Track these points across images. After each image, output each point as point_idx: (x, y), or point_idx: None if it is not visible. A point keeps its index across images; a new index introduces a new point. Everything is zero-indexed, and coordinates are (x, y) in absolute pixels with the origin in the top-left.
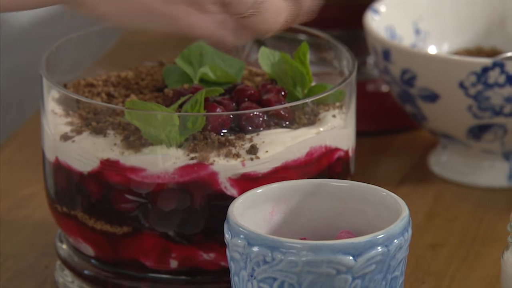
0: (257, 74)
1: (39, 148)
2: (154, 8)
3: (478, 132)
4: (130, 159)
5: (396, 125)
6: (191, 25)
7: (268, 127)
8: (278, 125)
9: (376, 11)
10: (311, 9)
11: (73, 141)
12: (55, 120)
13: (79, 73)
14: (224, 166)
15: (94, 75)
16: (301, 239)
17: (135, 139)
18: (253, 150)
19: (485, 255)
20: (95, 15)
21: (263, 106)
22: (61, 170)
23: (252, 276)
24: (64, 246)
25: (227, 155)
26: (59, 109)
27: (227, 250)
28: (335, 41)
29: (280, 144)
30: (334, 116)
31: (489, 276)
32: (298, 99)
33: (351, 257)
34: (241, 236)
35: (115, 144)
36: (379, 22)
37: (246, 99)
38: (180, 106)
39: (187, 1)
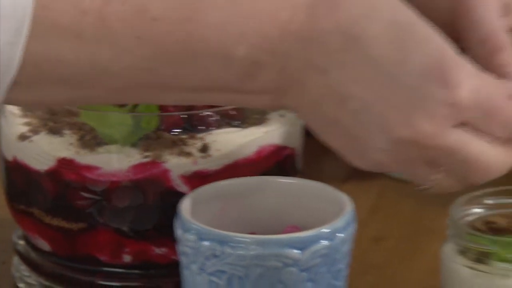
0: None
1: None
2: (342, 152)
3: None
4: (85, 158)
5: None
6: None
7: (219, 126)
8: (229, 125)
9: None
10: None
11: (31, 140)
12: (13, 120)
13: None
14: (176, 164)
15: None
16: (250, 233)
17: (90, 139)
18: (204, 148)
19: (425, 248)
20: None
21: (214, 107)
22: (18, 169)
23: (202, 269)
24: (22, 242)
25: (179, 154)
26: (17, 110)
27: (178, 245)
28: None
29: (230, 143)
30: (282, 115)
31: (429, 268)
32: None
33: (297, 251)
34: (192, 231)
35: (71, 144)
36: None
37: None
38: (135, 106)
39: (361, 162)
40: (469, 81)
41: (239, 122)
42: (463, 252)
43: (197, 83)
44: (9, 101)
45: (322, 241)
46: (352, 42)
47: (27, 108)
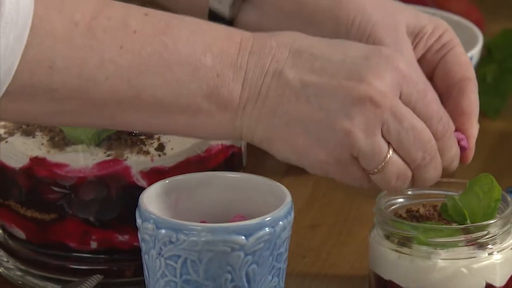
0: None
1: None
2: (301, 151)
3: None
4: (55, 156)
5: None
6: (331, 173)
7: None
8: None
9: None
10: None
11: (6, 141)
12: None
13: None
14: (136, 161)
15: None
16: (201, 222)
17: (59, 140)
18: (160, 147)
19: (355, 233)
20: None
21: None
22: None
23: (160, 254)
24: (0, 231)
25: (138, 152)
26: None
27: (138, 232)
28: None
29: (183, 143)
30: None
31: (359, 251)
32: None
33: (243, 237)
34: (151, 220)
35: (42, 144)
36: None
37: None
38: None
39: (328, 152)
40: (404, 58)
41: None
42: (388, 236)
43: (168, 96)
44: None
45: (265, 228)
46: (297, 50)
47: (9, 120)
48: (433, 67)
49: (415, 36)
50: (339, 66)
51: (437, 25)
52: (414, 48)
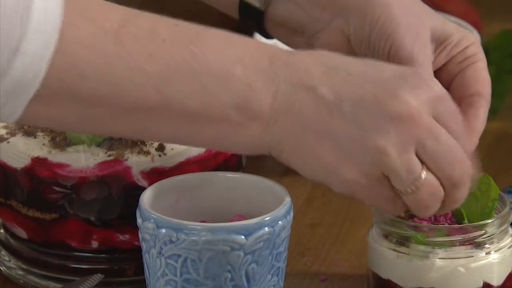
0: None
1: None
2: (330, 167)
3: None
4: (56, 156)
5: None
6: (357, 192)
7: None
8: None
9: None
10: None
11: (8, 142)
12: None
13: None
14: (137, 161)
15: None
16: (201, 222)
17: (60, 140)
18: (161, 148)
19: (354, 233)
20: (283, 162)
21: None
22: None
23: (160, 253)
24: (2, 231)
25: (139, 152)
26: None
27: (139, 232)
28: None
29: None
30: None
31: (358, 250)
32: None
33: (243, 236)
34: (151, 220)
35: (44, 144)
36: (265, 41)
37: None
38: None
39: (358, 169)
40: (436, 80)
41: None
42: (387, 236)
43: (197, 106)
44: (26, 116)
45: (264, 228)
46: (332, 68)
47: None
48: (451, 78)
49: (440, 44)
50: (375, 83)
51: (465, 36)
52: (437, 55)
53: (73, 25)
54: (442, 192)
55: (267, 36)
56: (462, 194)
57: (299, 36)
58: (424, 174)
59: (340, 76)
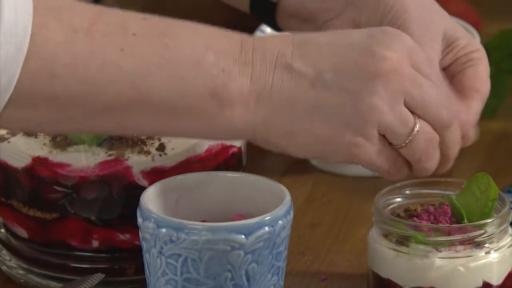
0: None
1: None
2: (325, 139)
3: None
4: (57, 156)
5: None
6: (358, 155)
7: None
8: None
9: (263, 32)
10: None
11: (9, 141)
12: None
13: None
14: (137, 161)
15: None
16: (201, 221)
17: (61, 140)
18: (161, 147)
19: (354, 232)
20: (269, 147)
21: None
22: None
23: (160, 253)
24: (3, 230)
25: (139, 152)
26: None
27: (139, 231)
28: None
29: (184, 143)
30: None
31: (358, 249)
32: None
33: (243, 236)
34: (151, 219)
35: (44, 144)
36: None
37: None
38: None
39: (355, 133)
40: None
41: None
42: (387, 235)
43: (174, 96)
44: (1, 120)
45: (264, 227)
46: (302, 44)
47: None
48: (452, 77)
49: (448, 45)
50: (348, 48)
51: (471, 42)
52: (444, 56)
53: (43, 26)
54: (436, 136)
55: (277, 28)
56: (454, 135)
57: (309, 25)
58: (418, 122)
59: (311, 49)
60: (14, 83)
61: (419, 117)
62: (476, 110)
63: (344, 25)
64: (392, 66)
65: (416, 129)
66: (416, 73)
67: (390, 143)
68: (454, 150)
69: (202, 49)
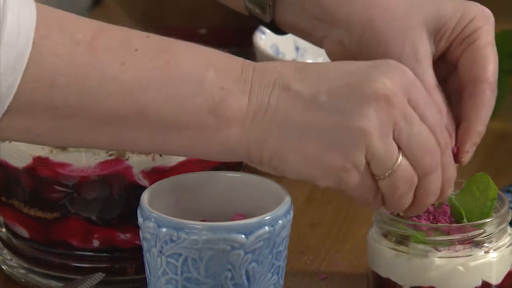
0: None
1: None
2: (314, 160)
3: None
4: (58, 156)
5: None
6: (346, 180)
7: None
8: None
9: (263, 32)
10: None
11: (10, 141)
12: None
13: None
14: (138, 161)
15: None
16: (202, 221)
17: None
18: None
19: (354, 232)
20: (264, 169)
21: None
22: (0, 166)
23: (161, 252)
24: (4, 230)
25: (140, 152)
26: None
27: (140, 231)
28: None
29: None
30: None
31: (357, 249)
32: None
33: (243, 236)
34: (152, 219)
35: None
36: (265, 40)
37: None
38: None
39: (344, 156)
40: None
41: None
42: (386, 235)
43: (172, 112)
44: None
45: (264, 227)
46: (303, 67)
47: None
48: (455, 63)
49: (437, 32)
50: (347, 73)
51: (463, 14)
52: (438, 43)
53: (46, 37)
54: (415, 178)
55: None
56: (433, 185)
57: (309, 39)
58: (400, 158)
59: (311, 73)
60: (13, 92)
61: (403, 154)
62: (487, 103)
63: (333, 44)
64: (385, 92)
65: (397, 163)
66: (411, 110)
67: (372, 174)
68: (427, 199)
69: (203, 67)
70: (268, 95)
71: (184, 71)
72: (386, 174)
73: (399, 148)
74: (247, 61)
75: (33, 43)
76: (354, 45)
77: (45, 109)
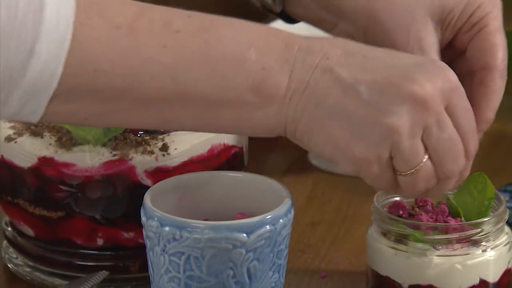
0: None
1: None
2: (340, 145)
3: None
4: (62, 156)
5: None
6: (365, 171)
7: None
8: None
9: None
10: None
11: (16, 142)
12: (0, 124)
13: None
14: (141, 161)
15: None
16: (204, 220)
17: (67, 140)
18: (164, 147)
19: (353, 230)
20: (296, 142)
21: None
22: (5, 166)
23: (164, 251)
24: (10, 229)
25: (143, 152)
26: None
27: (143, 230)
28: None
29: (186, 143)
30: None
31: (357, 247)
32: None
33: (244, 234)
34: (155, 218)
35: (50, 144)
36: None
37: None
38: None
39: (369, 148)
40: (454, 73)
41: None
42: (385, 234)
43: (214, 91)
44: (47, 115)
45: (265, 226)
46: (350, 51)
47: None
48: (463, 50)
49: (443, 21)
50: (391, 69)
51: (469, 1)
52: (445, 32)
53: (85, 22)
54: (434, 180)
55: (289, 20)
56: (448, 187)
57: (320, 28)
58: (425, 159)
59: (357, 59)
60: (57, 78)
61: (429, 155)
62: (497, 90)
63: (342, 35)
64: (424, 96)
65: (421, 165)
66: (445, 116)
67: (393, 167)
68: (439, 195)
69: (245, 47)
70: (310, 75)
71: (225, 51)
72: (409, 172)
73: (426, 149)
74: (292, 37)
75: (73, 29)
76: (361, 36)
77: (89, 94)
